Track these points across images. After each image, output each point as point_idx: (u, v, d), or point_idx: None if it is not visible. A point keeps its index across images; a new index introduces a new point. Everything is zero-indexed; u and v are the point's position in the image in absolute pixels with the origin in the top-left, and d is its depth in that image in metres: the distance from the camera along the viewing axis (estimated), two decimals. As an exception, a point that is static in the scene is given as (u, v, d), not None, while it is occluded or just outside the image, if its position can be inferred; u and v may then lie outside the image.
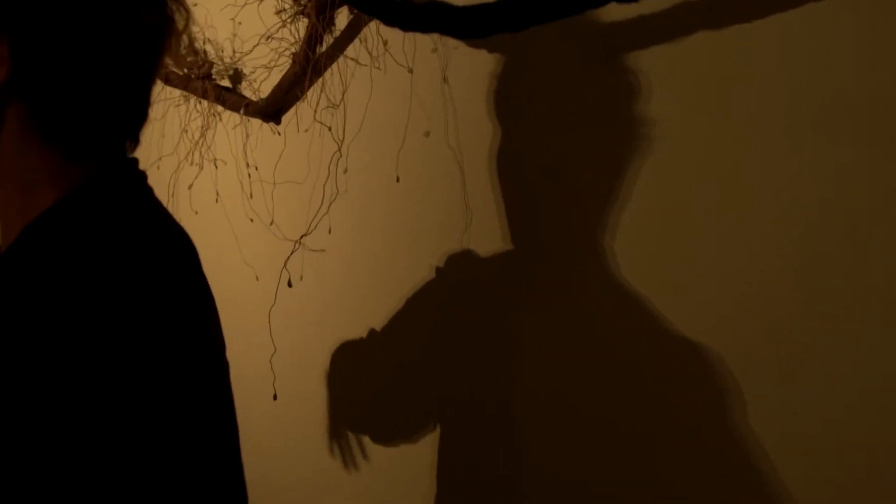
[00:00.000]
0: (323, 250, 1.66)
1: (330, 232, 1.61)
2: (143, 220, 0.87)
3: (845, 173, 0.99)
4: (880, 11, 0.95)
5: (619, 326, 1.23)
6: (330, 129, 1.61)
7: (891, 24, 0.94)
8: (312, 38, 1.54)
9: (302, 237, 1.50)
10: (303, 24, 1.59)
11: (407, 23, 1.19)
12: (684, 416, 1.16)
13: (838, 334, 1.01)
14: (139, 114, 0.93)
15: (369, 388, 1.62)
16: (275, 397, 1.48)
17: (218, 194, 1.97)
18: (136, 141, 0.95)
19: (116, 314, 0.76)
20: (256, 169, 1.86)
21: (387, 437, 1.59)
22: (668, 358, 1.18)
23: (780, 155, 1.04)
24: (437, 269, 1.46)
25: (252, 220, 1.89)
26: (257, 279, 1.92)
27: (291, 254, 1.53)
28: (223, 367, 0.87)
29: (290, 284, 1.54)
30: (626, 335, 1.22)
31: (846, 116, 0.99)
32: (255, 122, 1.84)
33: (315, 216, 1.49)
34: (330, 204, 1.48)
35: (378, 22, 1.48)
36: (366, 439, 1.61)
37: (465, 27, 1.11)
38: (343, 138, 1.48)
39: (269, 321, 1.60)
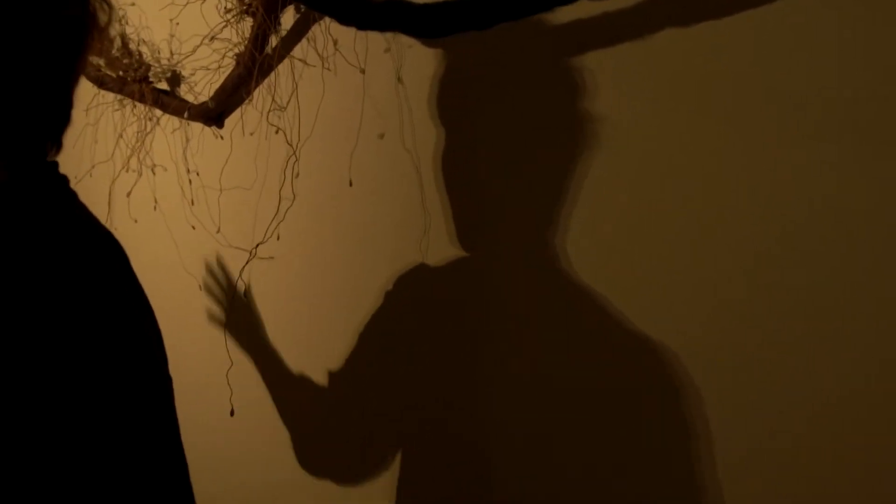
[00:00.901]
0: (272, 258, 1.61)
1: (279, 238, 1.55)
2: (63, 225, 0.80)
3: (826, 170, 0.98)
4: (858, 4, 0.95)
5: (582, 328, 1.22)
6: (278, 131, 1.55)
7: (866, 18, 0.93)
8: (259, 38, 1.49)
9: (258, 245, 1.45)
10: (247, 23, 1.54)
11: (364, 22, 1.14)
12: (659, 420, 1.15)
13: (815, 333, 1.00)
14: (60, 116, 0.86)
15: (329, 398, 1.57)
16: (231, 413, 1.42)
17: (157, 202, 1.89)
18: (58, 144, 0.87)
19: (40, 316, 0.71)
20: (198, 174, 1.79)
21: (350, 450, 1.55)
22: (635, 359, 1.16)
23: (756, 153, 1.03)
24: (395, 276, 1.42)
25: (194, 228, 1.82)
26: (200, 288, 1.86)
27: (247, 263, 1.47)
28: (160, 370, 0.81)
29: (245, 295, 1.48)
30: (588, 337, 1.21)
31: (826, 113, 0.98)
32: (196, 127, 1.78)
33: (271, 223, 1.44)
34: (286, 210, 1.42)
35: (327, 21, 1.44)
36: (327, 452, 1.56)
37: (427, 26, 1.07)
38: (298, 141, 1.43)
39: (225, 334, 1.54)
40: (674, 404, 1.12)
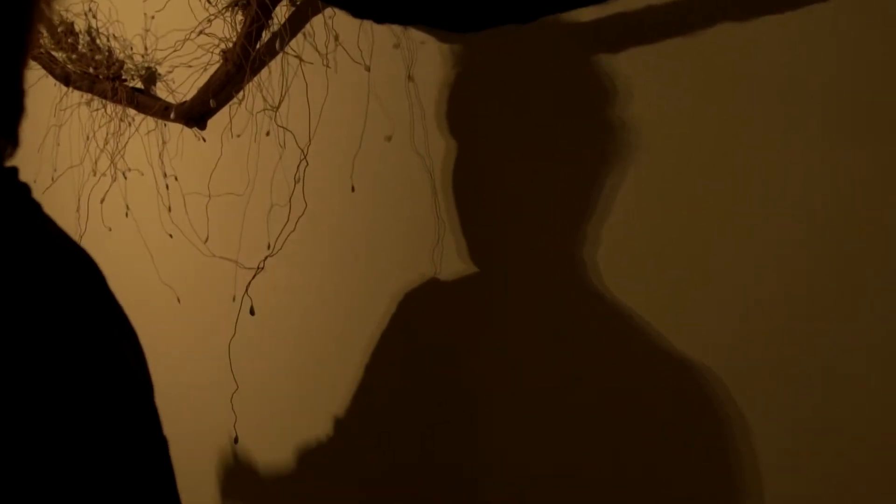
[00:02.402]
0: (261, 268, 1.49)
1: (270, 248, 1.44)
2: (26, 242, 0.67)
3: (839, 171, 0.92)
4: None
5: (606, 338, 1.13)
6: (269, 133, 1.45)
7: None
8: (251, 33, 1.37)
9: (265, 258, 1.33)
10: (237, 17, 1.43)
11: (385, 14, 1.04)
12: (673, 434, 1.07)
13: (829, 335, 0.94)
14: (10, 103, 0.72)
15: (331, 417, 1.46)
16: (236, 440, 1.30)
17: (128, 208, 1.77)
18: (13, 141, 0.73)
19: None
20: (176, 179, 1.67)
21: (359, 473, 1.44)
22: (656, 369, 1.09)
23: (768, 154, 0.96)
24: (405, 290, 1.32)
25: (172, 236, 1.70)
26: (178, 301, 1.73)
27: (253, 278, 1.35)
28: (141, 390, 0.69)
29: (252, 312, 1.36)
30: (612, 347, 1.13)
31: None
32: (174, 128, 1.66)
33: (281, 232, 1.32)
34: (297, 219, 1.31)
35: (328, 14, 1.34)
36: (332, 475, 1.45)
37: (461, 18, 0.97)
38: (308, 143, 1.32)
39: (229, 354, 1.41)
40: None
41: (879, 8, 0.89)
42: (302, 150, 1.30)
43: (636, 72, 1.07)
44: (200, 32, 1.43)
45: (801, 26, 0.94)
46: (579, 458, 1.17)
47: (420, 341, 1.33)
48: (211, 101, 1.41)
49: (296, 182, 1.33)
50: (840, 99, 0.92)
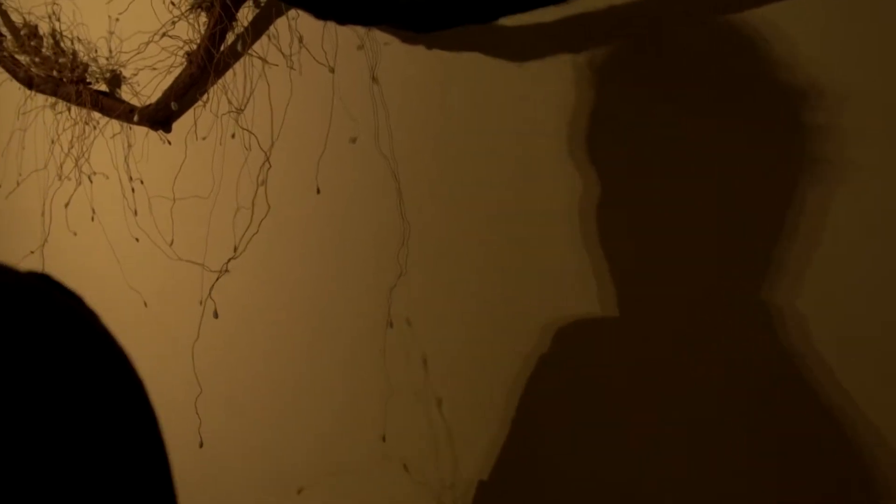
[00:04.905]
0: (227, 271, 1.48)
1: (235, 250, 1.44)
2: None
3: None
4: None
5: (579, 337, 1.14)
6: (234, 135, 1.44)
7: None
8: (215, 35, 1.37)
9: (229, 260, 1.32)
10: (200, 19, 1.42)
11: (347, 15, 1.04)
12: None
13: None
14: None
15: (289, 418, 1.46)
16: (201, 444, 1.29)
17: (94, 212, 1.75)
18: None
19: None
20: (142, 182, 1.66)
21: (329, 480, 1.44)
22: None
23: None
24: (371, 291, 1.32)
25: (138, 240, 1.69)
26: (145, 305, 1.72)
27: (216, 280, 1.35)
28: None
29: (216, 315, 1.36)
30: (578, 343, 1.13)
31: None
32: (139, 132, 1.65)
33: (244, 233, 1.32)
34: (261, 221, 1.30)
35: (292, 15, 1.33)
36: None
37: (422, 19, 0.97)
38: (271, 146, 1.31)
39: (193, 357, 1.40)
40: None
41: None
42: (265, 153, 1.30)
43: (597, 69, 1.07)
44: (164, 35, 1.42)
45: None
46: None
47: (388, 342, 1.33)
48: (173, 103, 1.40)
49: (258, 184, 1.32)
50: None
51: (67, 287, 0.62)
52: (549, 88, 1.11)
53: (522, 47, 1.12)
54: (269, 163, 1.30)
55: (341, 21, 1.07)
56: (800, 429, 0.95)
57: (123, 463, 0.55)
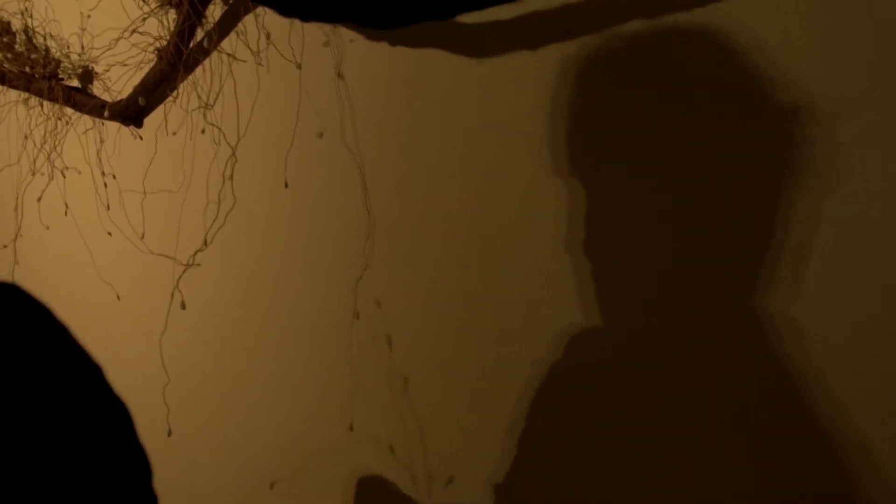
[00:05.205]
0: (198, 265, 1.50)
1: (206, 244, 1.46)
2: None
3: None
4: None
5: (543, 330, 1.17)
6: (204, 130, 1.46)
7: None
8: (185, 31, 1.39)
9: (196, 252, 1.35)
10: (170, 16, 1.44)
11: (310, 12, 1.07)
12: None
13: None
14: None
15: (256, 411, 1.48)
16: (169, 433, 1.32)
17: (67, 206, 1.77)
18: None
19: None
20: (114, 177, 1.68)
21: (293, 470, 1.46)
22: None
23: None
24: (337, 283, 1.35)
25: (111, 234, 1.70)
26: (118, 298, 1.74)
27: (183, 272, 1.37)
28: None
29: (183, 306, 1.38)
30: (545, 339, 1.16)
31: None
32: (111, 126, 1.66)
33: (210, 227, 1.34)
34: (227, 214, 1.33)
35: (260, 12, 1.36)
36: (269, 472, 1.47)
37: (381, 16, 1.00)
38: (237, 140, 1.33)
39: (161, 348, 1.43)
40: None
41: None
42: (231, 147, 1.32)
43: (554, 67, 1.10)
44: (134, 31, 1.44)
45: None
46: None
47: (353, 331, 1.35)
48: (140, 98, 1.42)
49: (224, 179, 1.34)
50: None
51: (36, 298, 0.64)
52: (508, 86, 1.14)
53: (482, 44, 1.14)
54: (236, 157, 1.33)
55: (305, 18, 1.10)
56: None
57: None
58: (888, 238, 0.88)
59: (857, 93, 0.89)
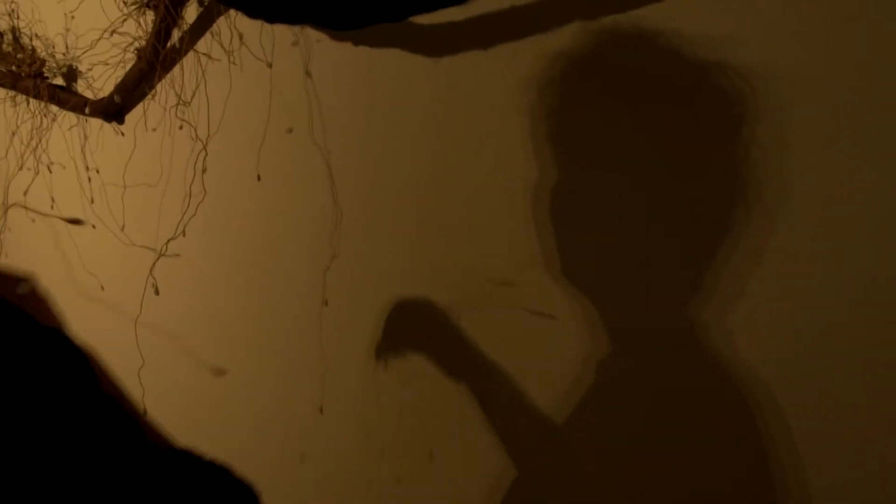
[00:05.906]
0: (177, 255, 1.58)
1: (185, 235, 1.53)
2: None
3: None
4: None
5: (505, 321, 1.23)
6: (182, 126, 1.53)
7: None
8: (161, 32, 1.46)
9: (168, 241, 1.42)
10: (148, 16, 1.51)
11: (274, 14, 1.13)
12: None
13: None
14: None
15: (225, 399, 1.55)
16: (144, 412, 1.38)
17: (53, 200, 1.84)
18: None
19: None
20: (98, 172, 1.75)
21: (267, 453, 1.54)
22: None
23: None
24: (306, 272, 1.42)
25: (95, 227, 1.77)
26: (102, 289, 1.81)
27: (156, 260, 1.44)
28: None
29: (156, 292, 1.45)
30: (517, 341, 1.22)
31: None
32: (95, 123, 1.73)
33: (182, 218, 1.41)
34: (198, 205, 1.40)
35: (233, 14, 1.42)
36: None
37: (339, 18, 1.07)
38: (208, 135, 1.40)
39: (136, 331, 1.50)
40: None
41: None
42: (202, 142, 1.39)
43: (505, 64, 1.16)
44: (113, 32, 1.51)
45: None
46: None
47: (322, 317, 1.42)
48: (115, 96, 1.49)
49: (195, 172, 1.42)
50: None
51: (77, 346, 0.66)
52: (462, 83, 1.20)
53: (436, 45, 1.21)
54: (206, 151, 1.40)
55: (270, 20, 1.16)
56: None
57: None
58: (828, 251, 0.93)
59: (808, 98, 0.92)
